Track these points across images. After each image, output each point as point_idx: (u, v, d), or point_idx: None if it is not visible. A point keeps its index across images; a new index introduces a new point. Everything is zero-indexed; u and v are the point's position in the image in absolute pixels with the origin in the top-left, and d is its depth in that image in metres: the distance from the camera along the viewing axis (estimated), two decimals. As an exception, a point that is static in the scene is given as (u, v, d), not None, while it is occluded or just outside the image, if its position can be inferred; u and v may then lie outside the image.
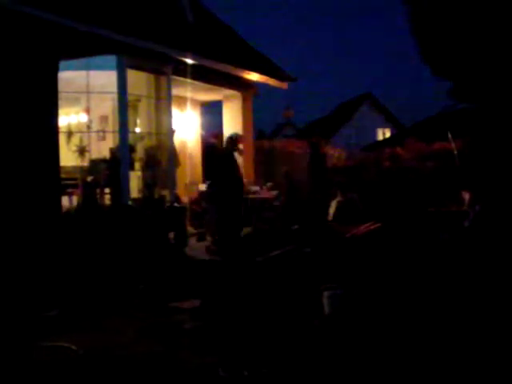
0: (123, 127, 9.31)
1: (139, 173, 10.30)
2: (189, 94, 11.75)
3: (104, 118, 10.88)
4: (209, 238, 10.16)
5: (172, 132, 10.56)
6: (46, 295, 6.75)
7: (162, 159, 10.39)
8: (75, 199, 9.43)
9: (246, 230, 10.68)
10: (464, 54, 9.56)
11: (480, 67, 9.52)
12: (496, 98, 9.85)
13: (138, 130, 11.06)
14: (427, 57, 10.29)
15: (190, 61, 10.33)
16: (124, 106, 9.29)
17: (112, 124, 10.25)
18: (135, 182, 10.11)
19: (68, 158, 9.44)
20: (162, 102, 10.35)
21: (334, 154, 16.17)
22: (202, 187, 11.36)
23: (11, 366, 4.80)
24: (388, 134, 32.28)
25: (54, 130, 8.49)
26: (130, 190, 9.52)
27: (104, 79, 9.37)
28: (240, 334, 5.64)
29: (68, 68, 8.59)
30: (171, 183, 10.40)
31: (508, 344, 4.83)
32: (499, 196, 9.59)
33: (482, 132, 10.68)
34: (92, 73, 9.17)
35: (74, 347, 5.28)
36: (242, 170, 11.10)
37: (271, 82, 13.23)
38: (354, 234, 11.26)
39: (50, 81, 8.30)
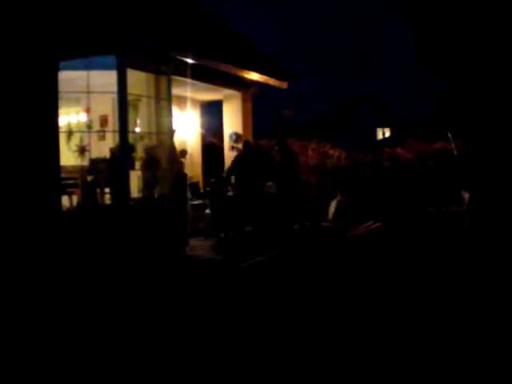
0: (123, 127, 9.30)
1: (139, 172, 10.29)
2: (189, 93, 11.74)
3: (104, 118, 10.87)
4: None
5: (172, 132, 10.56)
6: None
7: (161, 159, 10.38)
8: (75, 199, 9.43)
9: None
10: (461, 54, 9.59)
11: (477, 68, 9.54)
12: (494, 98, 9.86)
13: (138, 129, 11.04)
14: (424, 58, 10.32)
15: (190, 61, 10.33)
16: (124, 105, 9.28)
17: (112, 124, 10.24)
18: (135, 181, 10.10)
19: (68, 157, 9.44)
20: (162, 102, 10.34)
21: (335, 153, 16.15)
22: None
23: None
24: (388, 134, 32.28)
25: (54, 129, 8.50)
26: (130, 190, 9.52)
27: (104, 79, 9.37)
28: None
29: (68, 68, 8.59)
30: (171, 183, 10.38)
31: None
32: (498, 195, 9.59)
33: (481, 132, 10.69)
34: (92, 73, 9.16)
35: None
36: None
37: (271, 81, 13.25)
38: (354, 234, 11.25)
39: (50, 81, 8.30)
